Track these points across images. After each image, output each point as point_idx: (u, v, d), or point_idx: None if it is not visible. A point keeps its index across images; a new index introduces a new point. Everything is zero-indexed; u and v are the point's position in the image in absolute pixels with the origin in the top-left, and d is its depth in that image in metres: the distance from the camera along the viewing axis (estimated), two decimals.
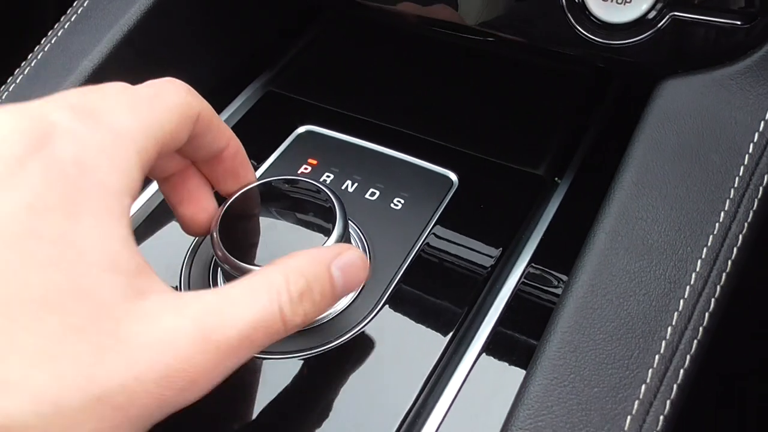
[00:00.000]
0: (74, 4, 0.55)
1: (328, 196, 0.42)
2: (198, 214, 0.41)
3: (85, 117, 0.31)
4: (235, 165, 0.41)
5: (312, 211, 0.41)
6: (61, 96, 0.33)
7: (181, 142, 0.36)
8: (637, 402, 0.33)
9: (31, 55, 0.52)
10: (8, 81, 0.51)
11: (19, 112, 0.31)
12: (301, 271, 0.33)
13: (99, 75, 0.50)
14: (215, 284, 0.45)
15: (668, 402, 0.33)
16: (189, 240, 0.47)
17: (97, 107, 0.32)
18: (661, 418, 0.33)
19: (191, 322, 0.29)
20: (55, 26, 0.54)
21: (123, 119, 0.32)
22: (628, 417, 0.33)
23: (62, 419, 0.26)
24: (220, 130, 0.39)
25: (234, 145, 0.40)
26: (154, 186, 0.53)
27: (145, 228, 0.50)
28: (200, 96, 0.37)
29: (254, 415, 0.40)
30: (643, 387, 0.34)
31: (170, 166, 0.40)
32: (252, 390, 0.41)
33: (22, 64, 0.52)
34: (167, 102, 0.34)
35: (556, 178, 0.53)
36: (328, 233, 0.40)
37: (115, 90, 0.34)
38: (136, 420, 0.28)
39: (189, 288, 0.45)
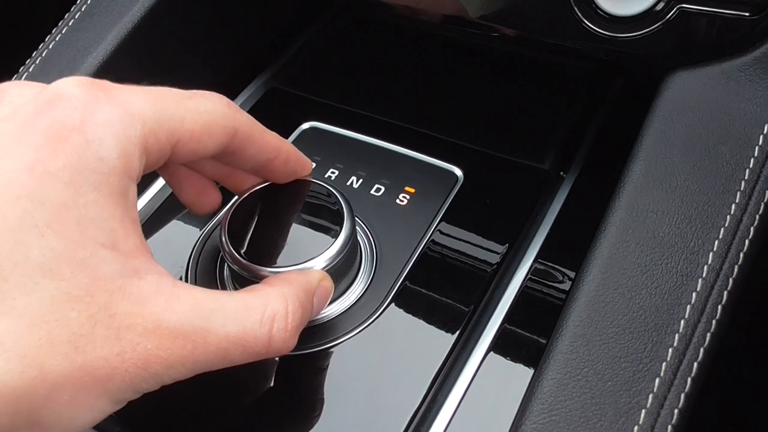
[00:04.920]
0: (78, 2, 0.54)
1: (337, 198, 0.42)
2: (202, 205, 0.42)
3: (97, 90, 0.30)
4: (288, 170, 0.41)
5: (321, 213, 0.41)
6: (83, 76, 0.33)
7: (208, 150, 0.35)
8: (651, 395, 0.33)
9: (35, 52, 0.52)
10: (13, 78, 0.51)
11: (37, 85, 0.31)
12: (300, 302, 0.34)
13: (104, 71, 0.50)
14: (221, 279, 0.45)
15: (683, 395, 0.33)
16: (196, 234, 0.48)
17: (115, 87, 0.31)
18: (676, 411, 0.33)
19: (177, 318, 0.29)
20: (59, 24, 0.54)
21: (138, 101, 0.31)
22: (643, 411, 0.33)
23: (46, 383, 0.26)
24: (265, 142, 0.38)
25: (285, 155, 0.40)
26: (160, 181, 0.53)
27: (152, 221, 0.50)
28: (243, 111, 0.36)
29: (260, 412, 0.40)
30: (657, 380, 0.33)
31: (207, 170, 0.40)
32: (258, 387, 0.41)
33: (27, 62, 0.52)
34: (197, 104, 0.34)
35: (562, 173, 0.53)
36: (335, 235, 0.40)
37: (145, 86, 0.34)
38: (114, 394, 0.28)
39: (196, 282, 0.45)
